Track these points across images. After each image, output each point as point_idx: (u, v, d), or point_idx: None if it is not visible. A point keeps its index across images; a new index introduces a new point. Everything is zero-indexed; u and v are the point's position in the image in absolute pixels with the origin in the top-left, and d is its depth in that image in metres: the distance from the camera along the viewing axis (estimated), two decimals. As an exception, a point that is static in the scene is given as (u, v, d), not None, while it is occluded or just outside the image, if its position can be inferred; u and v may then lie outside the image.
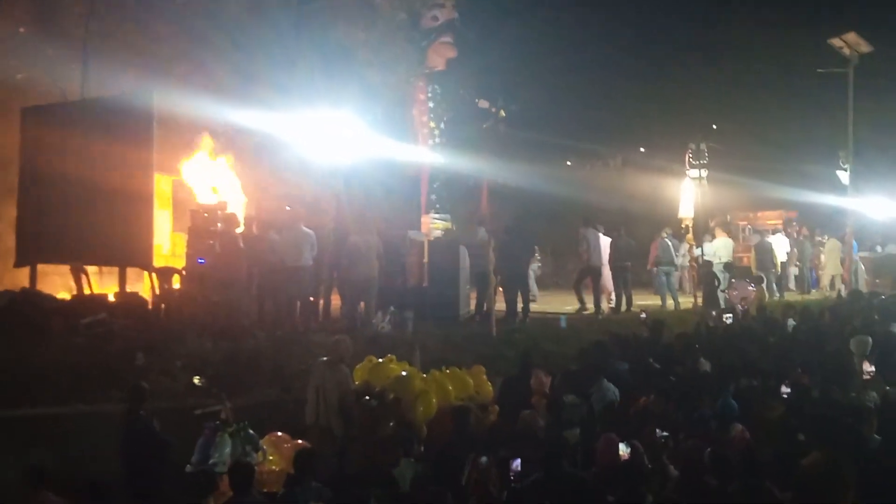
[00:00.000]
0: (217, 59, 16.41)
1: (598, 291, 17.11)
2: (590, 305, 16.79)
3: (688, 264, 20.54)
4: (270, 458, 7.81)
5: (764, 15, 32.22)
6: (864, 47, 20.93)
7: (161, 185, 15.55)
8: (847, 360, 9.86)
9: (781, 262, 21.95)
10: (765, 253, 21.03)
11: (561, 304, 18.44)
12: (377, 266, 13.87)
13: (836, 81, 21.76)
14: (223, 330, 12.29)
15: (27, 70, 15.75)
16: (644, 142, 31.23)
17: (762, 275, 20.07)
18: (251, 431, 7.73)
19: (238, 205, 15.53)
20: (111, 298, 13.78)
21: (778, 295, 20.55)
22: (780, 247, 21.81)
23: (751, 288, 18.55)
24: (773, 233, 22.98)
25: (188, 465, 7.64)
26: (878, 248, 23.43)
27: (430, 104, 21.87)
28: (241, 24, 17.02)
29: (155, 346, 11.44)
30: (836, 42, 20.90)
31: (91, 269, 14.36)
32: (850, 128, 21.54)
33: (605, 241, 17.45)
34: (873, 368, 9.69)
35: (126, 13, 16.08)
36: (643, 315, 13.82)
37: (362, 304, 14.12)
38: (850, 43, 20.80)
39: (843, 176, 22.19)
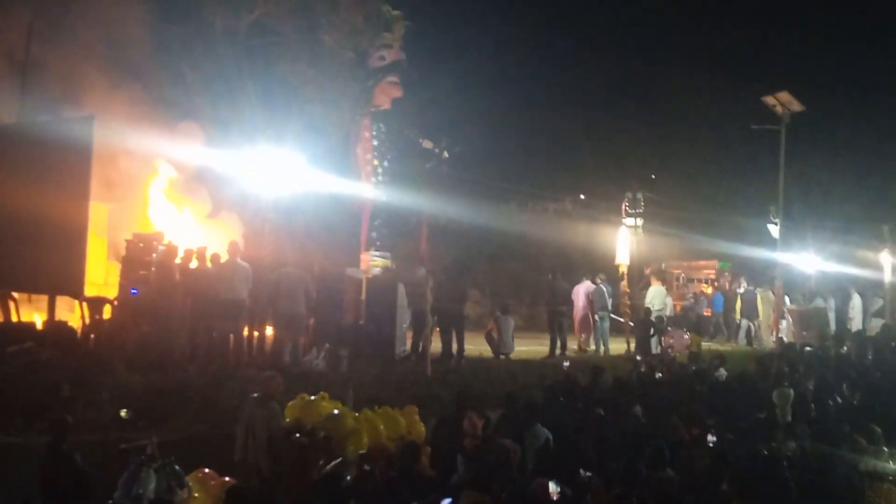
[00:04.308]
0: (159, 92, 16.30)
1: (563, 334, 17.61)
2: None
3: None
4: (196, 495, 7.66)
5: (701, 72, 33.24)
6: (796, 106, 21.63)
7: (96, 213, 15.29)
8: (770, 411, 10.10)
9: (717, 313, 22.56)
10: (751, 301, 21.57)
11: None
12: (304, 302, 13.76)
13: (769, 138, 22.45)
14: (153, 362, 12.08)
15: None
16: (583, 189, 31.75)
17: (745, 320, 21.05)
18: (177, 467, 7.59)
19: (177, 235, 15.37)
20: (39, 327, 13.46)
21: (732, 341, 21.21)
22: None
23: (685, 337, 18.93)
24: (706, 282, 23.52)
25: (110, 501, 7.46)
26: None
27: (375, 142, 21.94)
28: (184, 57, 16.96)
29: (82, 377, 11.17)
30: (769, 100, 21.59)
31: (21, 296, 14.02)
32: (780, 184, 22.17)
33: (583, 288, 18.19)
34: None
35: (68, 40, 15.87)
36: (566, 364, 13.95)
37: (302, 339, 14.02)
38: (782, 101, 21.49)
39: (774, 230, 22.80)
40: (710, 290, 27.59)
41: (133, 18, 16.49)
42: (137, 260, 13.72)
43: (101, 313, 13.34)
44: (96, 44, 15.89)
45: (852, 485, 7.43)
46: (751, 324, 22.34)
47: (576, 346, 19.07)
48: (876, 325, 22.83)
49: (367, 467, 7.72)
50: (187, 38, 17.03)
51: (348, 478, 7.28)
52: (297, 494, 7.82)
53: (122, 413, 8.78)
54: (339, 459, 7.93)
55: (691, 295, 25.00)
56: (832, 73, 33.27)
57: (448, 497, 6.94)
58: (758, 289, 23.16)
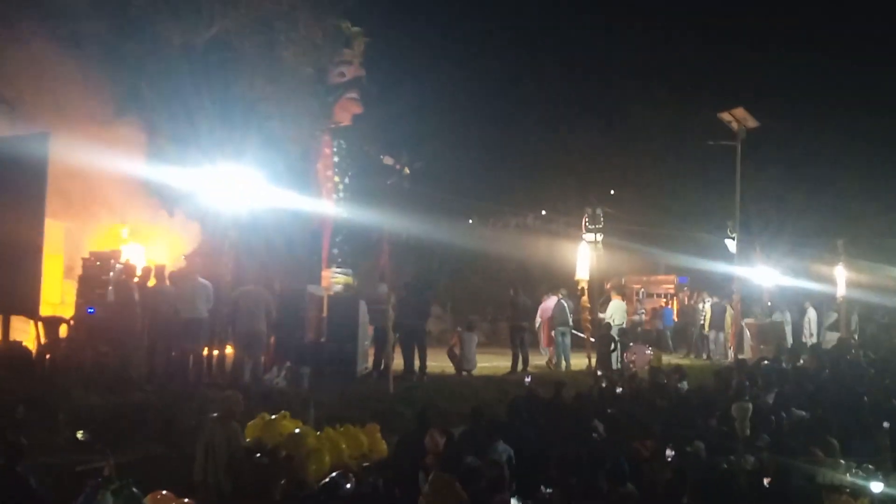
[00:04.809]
0: (115, 108, 16.12)
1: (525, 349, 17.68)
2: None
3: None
4: (154, 517, 7.55)
5: (659, 88, 33.65)
6: (752, 122, 22.04)
7: (52, 231, 15.05)
8: (729, 425, 10.20)
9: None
10: (720, 314, 21.93)
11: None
12: (265, 320, 13.68)
13: (726, 154, 22.82)
14: (111, 383, 11.90)
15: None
16: (544, 204, 31.97)
17: (714, 332, 21.64)
18: (135, 490, 7.46)
19: (134, 255, 15.19)
20: (-8, 347, 13.19)
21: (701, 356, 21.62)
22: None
23: (648, 352, 19.09)
24: (665, 296, 23.75)
25: (66, 525, 7.33)
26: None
27: (336, 159, 21.92)
28: (140, 73, 16.81)
29: (37, 398, 10.95)
30: (725, 116, 21.96)
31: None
32: (737, 199, 22.53)
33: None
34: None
35: (21, 55, 15.65)
36: (528, 380, 13.98)
37: (262, 358, 13.92)
38: (738, 118, 21.88)
39: (731, 244, 23.12)
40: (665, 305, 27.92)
41: (88, 33, 16.31)
42: (94, 279, 13.54)
43: (57, 333, 13.11)
44: (50, 58, 15.66)
45: (810, 497, 7.53)
46: (718, 335, 22.61)
47: (544, 363, 19.16)
48: (831, 338, 23.24)
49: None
50: (144, 54, 16.87)
51: (348, 486, 7.21)
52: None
53: (79, 435, 8.60)
54: (339, 472, 7.81)
55: (642, 310, 25.20)
56: (787, 90, 33.85)
57: None
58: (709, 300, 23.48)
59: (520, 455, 9.02)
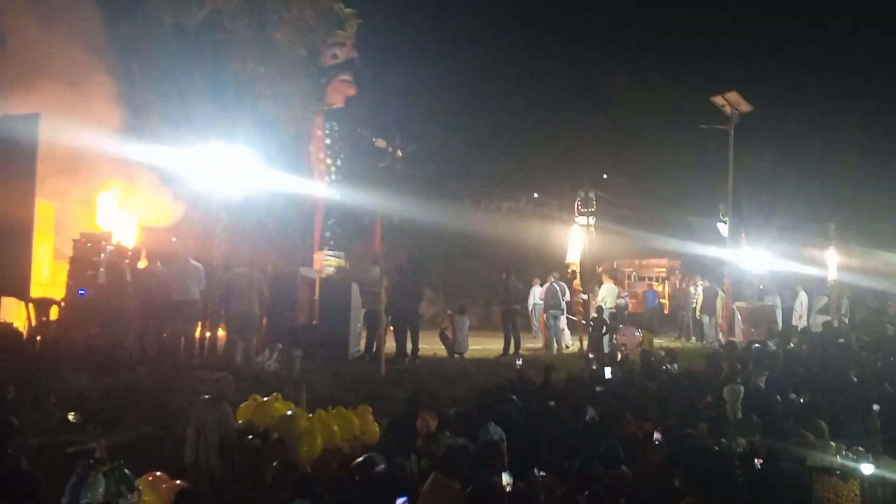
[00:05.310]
0: (105, 88, 16.01)
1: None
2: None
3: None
4: (146, 498, 7.53)
5: (652, 72, 33.64)
6: (745, 106, 22.06)
7: (43, 212, 14.97)
8: (721, 408, 10.24)
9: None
10: (712, 297, 22.07)
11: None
12: (257, 303, 13.64)
13: (718, 138, 22.83)
14: (102, 364, 11.87)
15: None
16: (537, 187, 31.95)
17: (707, 317, 21.76)
18: (126, 471, 7.44)
19: (126, 235, 15.12)
20: (-18, 329, 13.13)
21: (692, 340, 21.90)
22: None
23: (637, 334, 19.14)
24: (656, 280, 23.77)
25: (57, 506, 7.31)
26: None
27: (328, 141, 21.79)
28: (132, 53, 16.68)
29: (28, 379, 10.91)
30: (718, 100, 21.96)
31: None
32: (729, 183, 22.56)
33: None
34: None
35: (11, 34, 15.52)
36: (519, 362, 14.01)
37: (254, 340, 13.90)
38: (731, 101, 21.89)
39: (723, 228, 23.15)
40: (659, 288, 27.95)
41: (79, 13, 16.17)
42: (85, 260, 13.47)
43: (47, 314, 13.07)
44: (41, 39, 15.53)
45: (800, 479, 7.56)
46: (711, 319, 22.67)
47: (541, 345, 19.23)
48: (821, 321, 23.30)
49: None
50: (135, 34, 16.74)
51: (382, 466, 7.19)
52: (249, 497, 7.75)
53: (70, 416, 8.58)
54: (373, 452, 7.77)
55: (625, 293, 25.24)
56: (780, 74, 33.87)
57: (403, 496, 6.94)
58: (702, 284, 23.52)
59: (511, 437, 9.05)
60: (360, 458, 7.25)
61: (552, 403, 10.76)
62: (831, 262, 25.35)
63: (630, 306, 25.16)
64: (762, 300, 23.72)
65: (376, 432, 9.54)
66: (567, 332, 19.86)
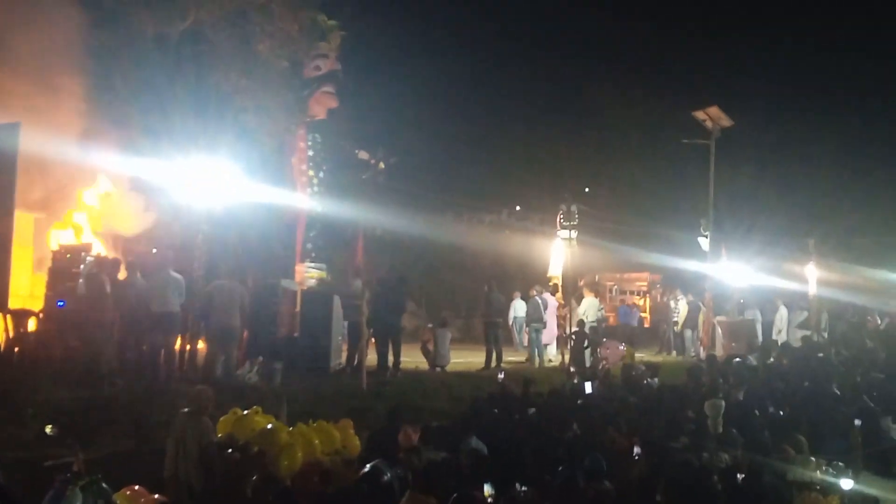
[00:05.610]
0: (87, 100, 15.92)
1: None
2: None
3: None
4: (124, 513, 7.47)
5: (634, 86, 33.80)
6: (725, 121, 22.19)
7: (22, 223, 14.83)
8: (702, 422, 10.25)
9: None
10: (695, 312, 22.16)
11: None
12: (238, 315, 13.57)
13: (699, 152, 22.95)
14: (80, 377, 11.77)
15: None
16: (519, 200, 32.02)
17: (689, 331, 21.88)
18: (104, 485, 7.36)
19: (106, 247, 15.01)
20: (-42, 340, 13.00)
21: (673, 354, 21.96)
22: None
23: (621, 348, 19.16)
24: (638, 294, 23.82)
25: (34, 521, 7.22)
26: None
27: (310, 153, 21.80)
28: (114, 64, 16.59)
29: (5, 392, 10.82)
30: (699, 115, 22.09)
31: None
32: (710, 197, 22.67)
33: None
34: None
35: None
36: (501, 375, 13.99)
37: (235, 353, 13.81)
38: (712, 116, 22.02)
39: (704, 242, 23.25)
40: (640, 302, 28.02)
41: (60, 24, 16.08)
42: (65, 271, 13.37)
43: (25, 326, 12.96)
44: (21, 49, 15.42)
45: (781, 494, 7.59)
46: (693, 333, 22.75)
47: (523, 359, 19.22)
48: (800, 336, 23.40)
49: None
50: (117, 45, 16.66)
51: (388, 475, 7.14)
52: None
53: (48, 429, 8.48)
54: (379, 460, 7.72)
55: (602, 308, 25.30)
56: (760, 89, 34.15)
57: None
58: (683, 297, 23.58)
59: (493, 451, 9.02)
60: (366, 468, 7.21)
61: (532, 410, 10.75)
62: (811, 277, 25.48)
63: (609, 320, 25.20)
64: (742, 314, 23.81)
65: (357, 446, 9.48)
66: (552, 345, 19.85)
